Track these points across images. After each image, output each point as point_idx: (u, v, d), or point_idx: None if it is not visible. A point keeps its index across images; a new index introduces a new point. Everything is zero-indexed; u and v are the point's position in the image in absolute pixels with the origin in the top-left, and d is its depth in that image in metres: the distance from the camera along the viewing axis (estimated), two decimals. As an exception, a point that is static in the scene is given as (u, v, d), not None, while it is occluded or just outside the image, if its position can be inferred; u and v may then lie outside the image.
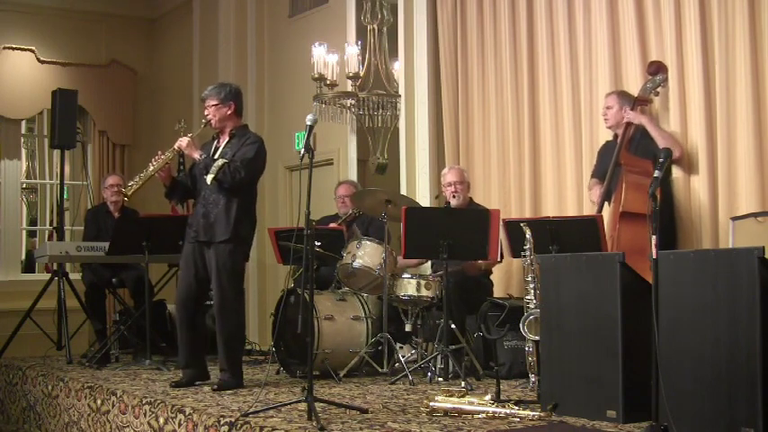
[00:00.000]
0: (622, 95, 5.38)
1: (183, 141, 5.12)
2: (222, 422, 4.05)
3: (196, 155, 5.10)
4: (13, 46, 9.28)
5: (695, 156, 5.19)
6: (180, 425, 4.36)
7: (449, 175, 6.02)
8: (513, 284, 6.24)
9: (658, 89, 5.30)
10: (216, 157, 5.11)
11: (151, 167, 5.12)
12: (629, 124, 5.26)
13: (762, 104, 4.91)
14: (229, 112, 5.19)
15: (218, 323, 5.11)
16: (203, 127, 5.22)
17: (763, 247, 3.42)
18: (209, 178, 4.99)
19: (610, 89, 5.60)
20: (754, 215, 4.68)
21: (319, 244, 5.76)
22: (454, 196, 5.92)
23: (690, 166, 5.22)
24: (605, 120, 5.41)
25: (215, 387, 5.00)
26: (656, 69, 5.29)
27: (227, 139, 5.20)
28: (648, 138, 5.19)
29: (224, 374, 5.10)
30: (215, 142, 5.25)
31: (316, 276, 5.64)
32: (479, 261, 5.82)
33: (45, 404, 5.91)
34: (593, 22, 5.85)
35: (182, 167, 6.93)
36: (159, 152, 5.21)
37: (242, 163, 5.03)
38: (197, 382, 5.17)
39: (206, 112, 5.20)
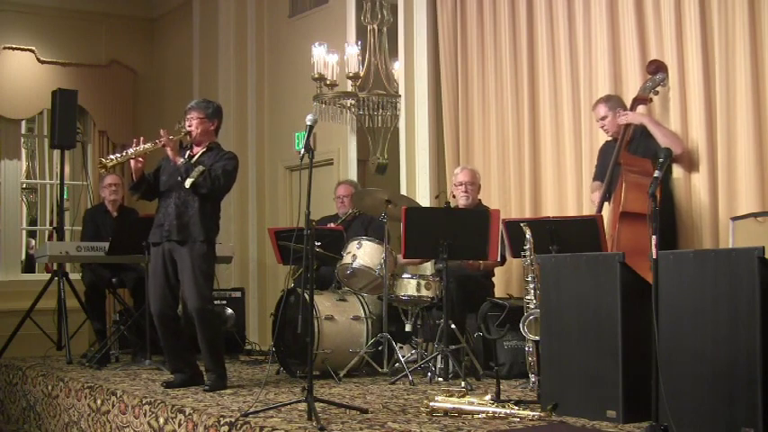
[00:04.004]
0: (610, 100, 5.39)
1: (169, 142, 5.10)
2: (222, 422, 4.05)
3: (179, 159, 5.11)
4: (13, 46, 9.27)
5: (695, 155, 5.19)
6: (180, 425, 4.36)
7: (461, 175, 6.00)
8: (513, 284, 6.24)
9: (658, 88, 5.30)
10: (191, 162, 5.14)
11: (131, 150, 5.13)
12: (627, 125, 5.26)
13: (762, 104, 4.91)
14: (212, 128, 5.26)
15: (199, 325, 5.07)
16: (182, 135, 5.21)
17: (763, 247, 3.42)
18: (188, 182, 5.00)
19: (610, 89, 5.61)
20: (754, 215, 4.68)
21: (319, 244, 5.76)
22: (463, 197, 5.90)
23: (690, 166, 5.22)
24: (605, 131, 5.40)
25: (206, 389, 5.00)
26: (655, 68, 5.29)
27: (203, 150, 5.22)
28: (649, 137, 5.19)
29: (211, 375, 5.11)
30: (187, 152, 5.24)
31: (316, 276, 5.64)
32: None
33: (45, 404, 5.91)
34: (593, 22, 5.85)
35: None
36: (142, 138, 5.19)
37: (223, 173, 5.09)
38: (193, 387, 5.13)
39: (188, 124, 5.21)
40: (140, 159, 5.14)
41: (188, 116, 5.23)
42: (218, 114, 5.30)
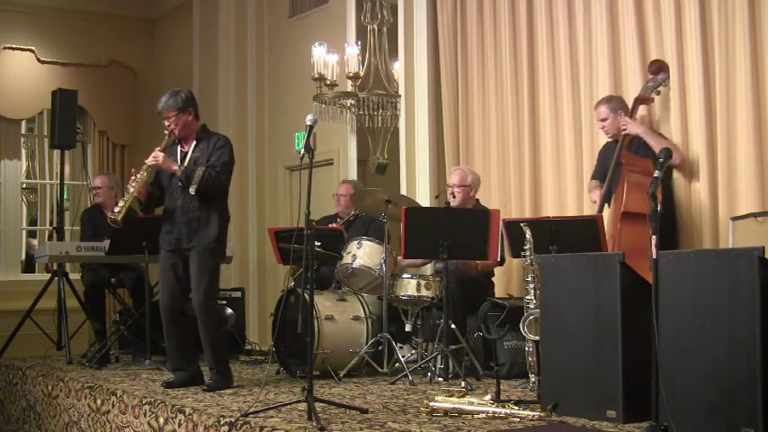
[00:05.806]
0: (612, 101, 5.38)
1: (159, 158, 5.07)
2: (222, 422, 4.05)
3: (175, 167, 5.10)
4: (13, 46, 9.27)
5: (695, 156, 5.19)
6: (180, 425, 4.36)
7: (451, 177, 6.09)
8: (513, 284, 6.24)
9: (660, 88, 5.30)
10: (186, 162, 5.14)
11: (131, 188, 5.10)
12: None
13: (762, 104, 4.91)
14: (190, 119, 5.22)
15: (202, 323, 5.08)
16: (168, 139, 5.19)
17: (763, 247, 3.42)
18: (192, 189, 4.99)
19: (610, 89, 5.60)
20: (754, 215, 4.68)
21: (319, 244, 5.76)
22: (454, 197, 5.94)
23: (690, 167, 5.21)
24: (605, 132, 5.41)
25: (205, 388, 5.01)
26: (657, 68, 5.28)
27: (193, 143, 5.21)
28: (649, 136, 5.20)
29: (214, 374, 5.11)
30: (179, 147, 5.24)
31: (316, 276, 5.64)
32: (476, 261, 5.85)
33: (45, 404, 5.91)
34: (594, 22, 5.85)
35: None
36: (133, 170, 5.19)
37: (222, 168, 5.09)
38: (193, 387, 5.12)
39: (167, 123, 5.18)
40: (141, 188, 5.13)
41: (164, 117, 5.19)
42: (190, 103, 5.21)
